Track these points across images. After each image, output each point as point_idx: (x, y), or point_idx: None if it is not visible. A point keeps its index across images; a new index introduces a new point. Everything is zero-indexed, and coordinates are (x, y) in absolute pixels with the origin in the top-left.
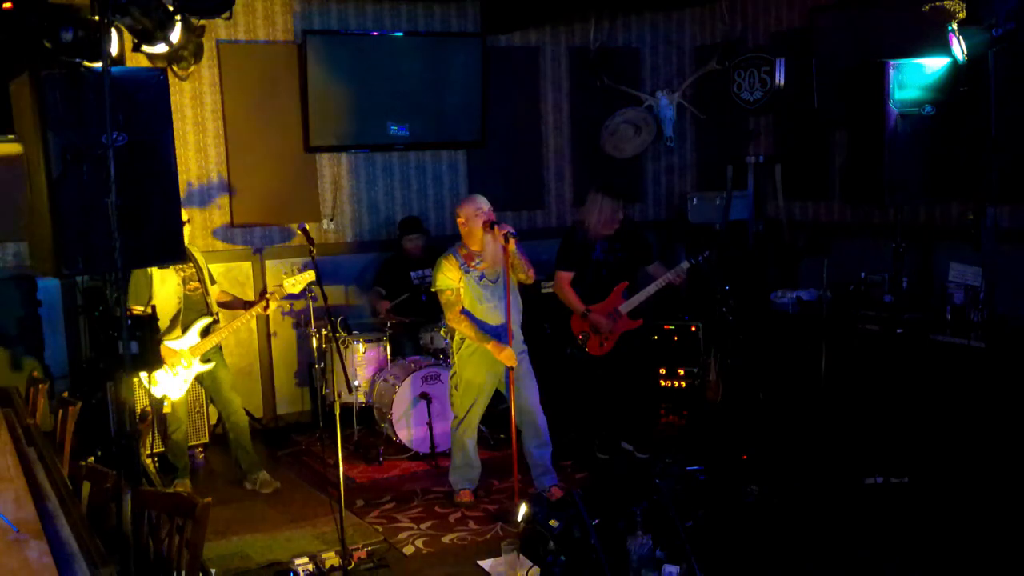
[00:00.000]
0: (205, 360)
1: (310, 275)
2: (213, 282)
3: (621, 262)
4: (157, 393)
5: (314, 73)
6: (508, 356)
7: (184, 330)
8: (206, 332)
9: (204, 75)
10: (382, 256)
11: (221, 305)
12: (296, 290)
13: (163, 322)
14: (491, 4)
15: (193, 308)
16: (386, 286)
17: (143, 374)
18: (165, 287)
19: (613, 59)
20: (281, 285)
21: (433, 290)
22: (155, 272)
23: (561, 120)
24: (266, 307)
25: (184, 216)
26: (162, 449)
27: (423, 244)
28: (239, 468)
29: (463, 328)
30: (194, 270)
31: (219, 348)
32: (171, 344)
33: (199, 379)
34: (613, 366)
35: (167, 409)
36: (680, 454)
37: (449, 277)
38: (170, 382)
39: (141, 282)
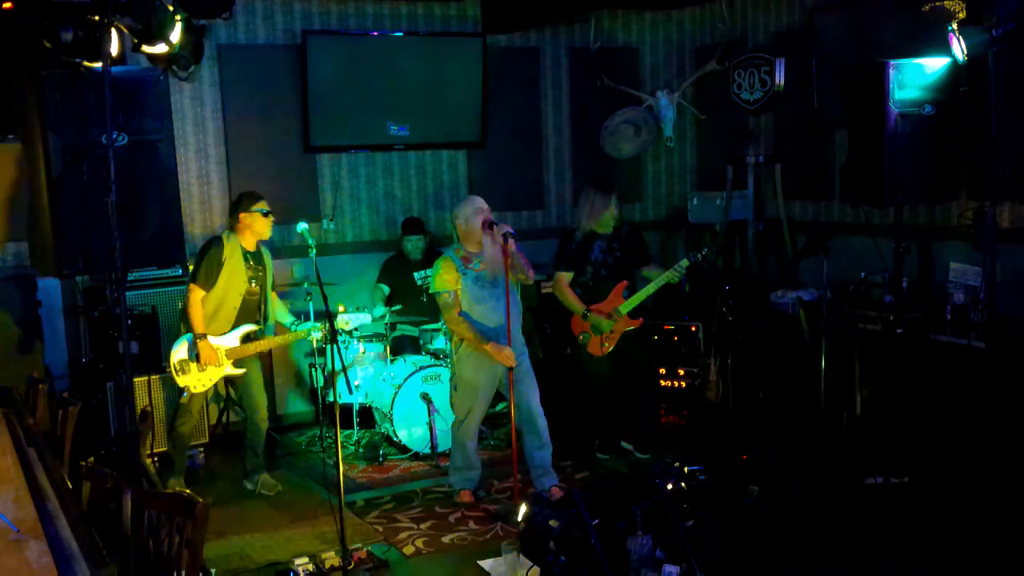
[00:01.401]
0: (238, 365)
1: (364, 318)
2: (272, 289)
3: (619, 262)
4: (181, 383)
5: (314, 73)
6: (507, 357)
7: (230, 330)
8: (248, 339)
9: (204, 75)
10: (382, 256)
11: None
12: (348, 327)
13: (219, 315)
14: (491, 4)
15: (246, 311)
16: (389, 285)
17: (182, 359)
18: (233, 280)
19: (613, 59)
20: (336, 321)
21: (431, 292)
22: (228, 260)
23: (561, 120)
24: (311, 334)
25: (263, 207)
26: (163, 449)
27: (424, 246)
28: (243, 467)
29: (462, 330)
30: (262, 274)
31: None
32: (213, 340)
33: (227, 379)
34: (613, 366)
35: (184, 399)
36: (680, 454)
37: (446, 279)
38: (197, 376)
39: (213, 263)
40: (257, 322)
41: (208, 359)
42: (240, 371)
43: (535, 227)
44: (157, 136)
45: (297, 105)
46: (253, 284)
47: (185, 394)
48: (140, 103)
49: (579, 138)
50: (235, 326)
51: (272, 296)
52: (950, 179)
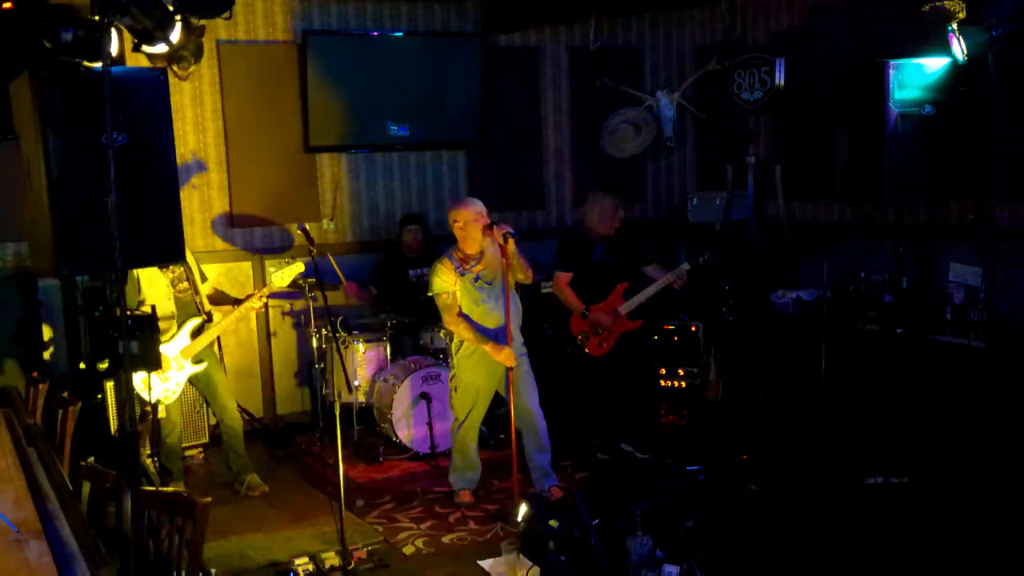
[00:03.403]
0: (197, 361)
1: (299, 267)
2: (204, 279)
3: (621, 263)
4: (152, 398)
5: (314, 73)
6: (507, 357)
7: (177, 331)
8: (197, 333)
9: (204, 75)
10: (382, 256)
11: (212, 302)
12: (284, 283)
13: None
14: (491, 4)
15: (183, 309)
16: (380, 286)
17: (138, 380)
18: (154, 289)
19: (613, 59)
20: (270, 281)
21: (430, 294)
22: (141, 274)
23: (561, 120)
24: (256, 307)
25: None
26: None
27: (422, 237)
28: (229, 470)
29: (461, 331)
30: (183, 270)
31: (213, 348)
32: (162, 346)
33: (192, 381)
34: (613, 366)
35: (161, 414)
36: (680, 454)
37: (445, 280)
38: (162, 385)
39: (128, 285)
40: (199, 314)
41: (164, 366)
42: (200, 366)
43: (535, 227)
44: (157, 136)
45: (297, 105)
46: (176, 283)
47: (160, 408)
48: (140, 103)
49: (579, 138)
50: (179, 326)
51: (203, 287)
52: (950, 179)
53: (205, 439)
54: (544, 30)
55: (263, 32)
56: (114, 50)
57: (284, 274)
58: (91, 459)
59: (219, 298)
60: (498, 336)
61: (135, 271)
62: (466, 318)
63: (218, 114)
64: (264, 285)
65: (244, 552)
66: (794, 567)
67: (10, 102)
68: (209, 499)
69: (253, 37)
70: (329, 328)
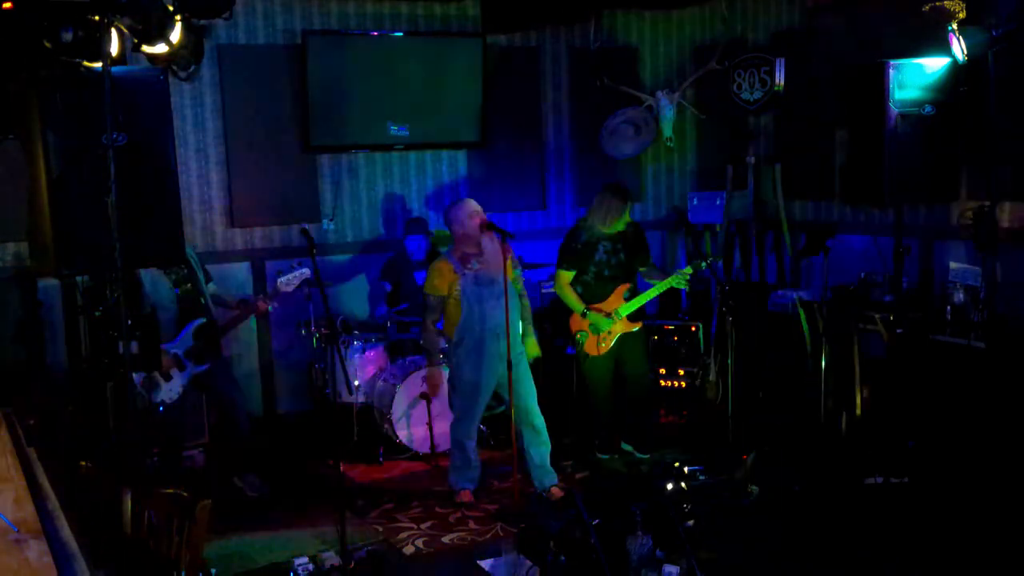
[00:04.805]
0: (200, 362)
1: (304, 273)
2: (209, 280)
3: (623, 263)
4: (154, 398)
5: (314, 73)
6: (434, 387)
7: (178, 331)
8: (200, 333)
9: (204, 75)
10: (382, 256)
11: (215, 304)
12: (290, 288)
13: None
14: (491, 4)
15: (187, 309)
16: (391, 283)
17: (139, 380)
18: (158, 290)
19: (613, 59)
20: (276, 286)
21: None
22: (145, 278)
23: (561, 120)
24: (261, 309)
25: None
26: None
27: (426, 248)
28: (230, 470)
29: (428, 338)
30: (187, 270)
31: (218, 348)
32: (165, 347)
33: (195, 381)
34: (613, 366)
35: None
36: (680, 454)
37: (436, 284)
38: (164, 386)
39: (135, 290)
40: (204, 314)
41: (167, 365)
42: (205, 367)
43: (535, 227)
44: (157, 136)
45: (297, 105)
46: (180, 283)
47: (162, 409)
48: (140, 103)
49: (579, 138)
50: (184, 325)
51: (208, 288)
52: (950, 179)
53: (205, 439)
54: (544, 30)
55: (263, 32)
56: (114, 50)
57: (290, 280)
58: (91, 459)
59: (223, 301)
60: (499, 335)
61: (140, 276)
62: (468, 318)
63: (218, 114)
64: (270, 288)
65: (244, 552)
66: (794, 567)
67: (10, 102)
68: (209, 500)
69: (253, 37)
70: (329, 328)
